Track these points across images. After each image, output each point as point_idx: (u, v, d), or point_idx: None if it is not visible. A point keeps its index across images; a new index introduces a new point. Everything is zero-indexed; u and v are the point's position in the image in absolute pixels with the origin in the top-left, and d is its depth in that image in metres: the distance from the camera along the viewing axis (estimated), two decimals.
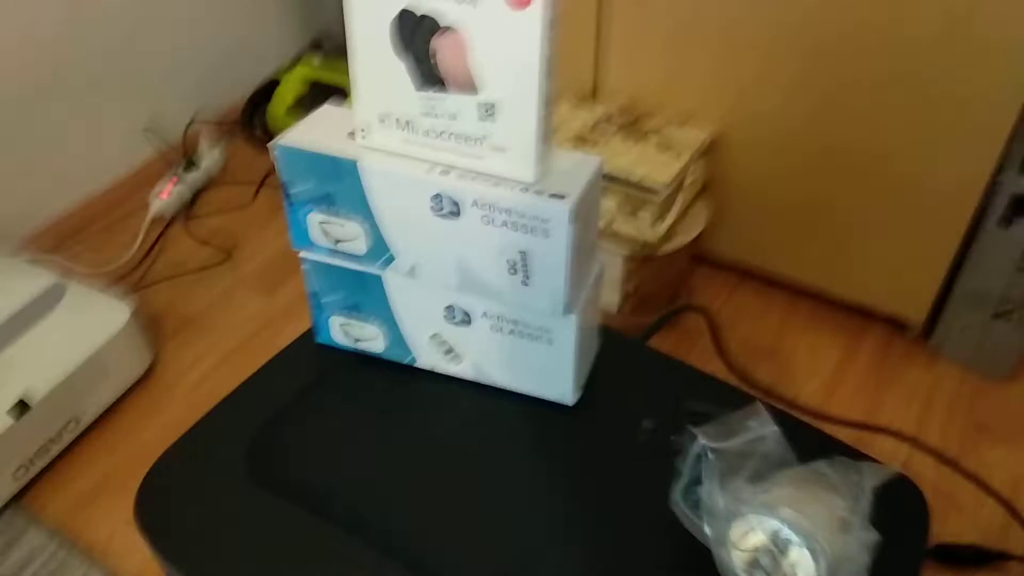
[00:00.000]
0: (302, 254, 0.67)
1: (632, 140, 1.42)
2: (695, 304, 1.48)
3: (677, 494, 0.58)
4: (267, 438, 0.66)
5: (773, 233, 1.53)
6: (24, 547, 1.27)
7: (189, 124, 1.86)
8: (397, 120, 0.58)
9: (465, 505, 0.62)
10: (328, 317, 0.71)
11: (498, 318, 0.64)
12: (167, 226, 1.76)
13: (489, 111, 0.55)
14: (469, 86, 0.55)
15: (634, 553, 0.59)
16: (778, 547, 0.53)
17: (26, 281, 1.41)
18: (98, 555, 1.24)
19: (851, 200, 1.41)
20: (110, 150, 1.80)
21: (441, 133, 0.58)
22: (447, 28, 0.53)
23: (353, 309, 0.69)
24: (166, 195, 1.74)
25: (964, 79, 1.19)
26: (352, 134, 0.61)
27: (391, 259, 0.64)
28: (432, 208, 0.59)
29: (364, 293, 0.67)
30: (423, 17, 0.54)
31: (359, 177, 0.60)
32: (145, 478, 0.64)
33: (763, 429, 0.59)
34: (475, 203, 0.58)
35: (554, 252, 0.58)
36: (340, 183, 0.61)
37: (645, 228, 1.37)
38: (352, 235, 0.64)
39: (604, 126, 1.44)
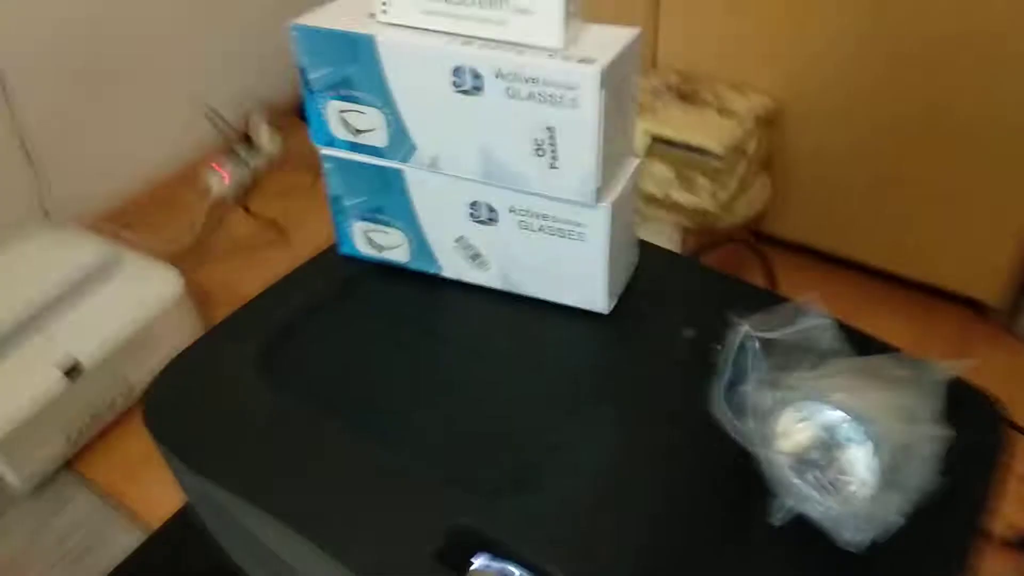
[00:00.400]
0: (323, 151, 0.64)
1: (690, 106, 1.36)
2: (744, 238, 1.38)
3: (718, 394, 0.52)
4: (283, 342, 0.63)
5: (840, 210, 1.45)
6: (73, 510, 1.27)
7: (249, 109, 1.88)
8: None
9: (489, 412, 0.57)
10: (351, 224, 0.67)
11: (526, 213, 0.60)
12: (226, 207, 1.77)
13: None
14: None
15: (672, 461, 0.53)
16: (832, 439, 0.46)
17: (83, 252, 1.43)
18: (143, 521, 1.23)
19: (923, 171, 1.32)
20: (172, 133, 1.83)
21: None
22: None
23: (376, 212, 0.65)
24: (226, 177, 1.75)
25: None
26: (373, 15, 0.58)
27: (412, 149, 0.60)
28: (453, 84, 0.55)
29: (386, 193, 0.64)
30: None
31: (377, 56, 0.57)
32: (155, 380, 0.61)
33: (817, 321, 0.52)
34: (498, 74, 0.54)
35: (583, 126, 0.53)
36: (358, 64, 0.58)
37: (704, 197, 1.31)
38: (372, 124, 0.60)
39: (662, 93, 1.39)
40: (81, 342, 1.29)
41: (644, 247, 0.68)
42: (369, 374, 0.60)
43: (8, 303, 1.30)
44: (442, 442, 0.55)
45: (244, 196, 1.78)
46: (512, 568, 0.47)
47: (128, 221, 1.72)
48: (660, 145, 1.31)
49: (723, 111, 1.34)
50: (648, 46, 1.48)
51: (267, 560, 0.57)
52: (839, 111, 1.34)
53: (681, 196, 1.31)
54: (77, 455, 1.31)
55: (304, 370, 0.61)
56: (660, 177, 1.31)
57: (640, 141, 1.30)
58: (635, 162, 0.62)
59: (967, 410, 0.52)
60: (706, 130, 1.29)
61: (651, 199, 1.32)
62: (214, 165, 1.72)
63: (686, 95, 1.39)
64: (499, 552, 0.48)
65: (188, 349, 0.63)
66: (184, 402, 0.60)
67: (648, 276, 0.66)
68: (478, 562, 0.48)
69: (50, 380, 1.23)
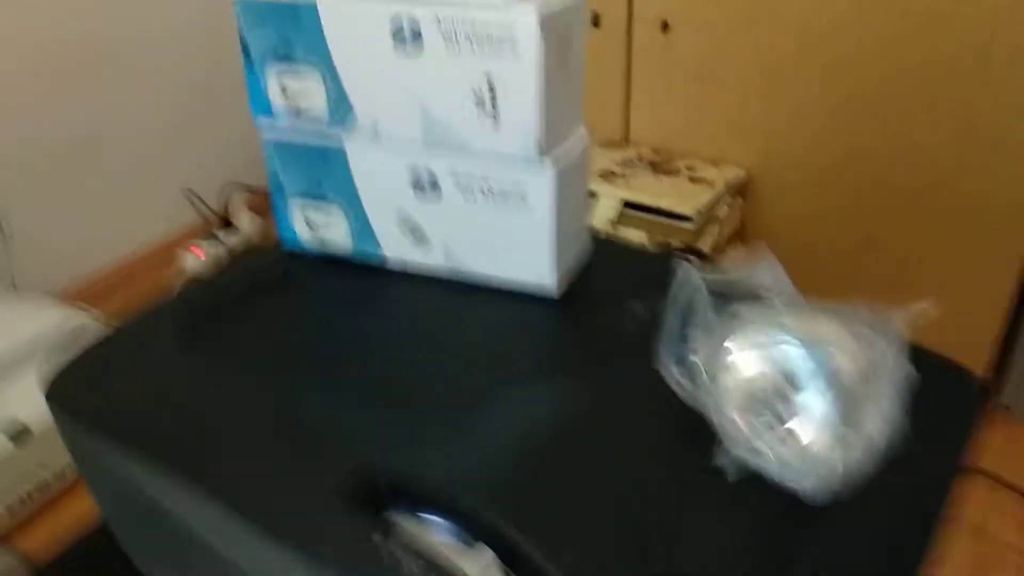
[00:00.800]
0: (262, 127, 0.62)
1: (663, 175, 1.37)
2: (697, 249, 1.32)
3: (663, 345, 0.48)
4: (207, 326, 0.58)
5: (815, 281, 1.42)
6: None
7: (230, 191, 1.89)
8: None
9: (423, 380, 0.52)
10: (289, 204, 0.64)
11: (468, 177, 0.57)
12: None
13: None
14: None
15: (614, 421, 0.48)
16: (784, 372, 0.42)
17: (44, 319, 1.39)
18: None
19: (898, 237, 1.31)
20: (151, 212, 1.83)
21: None
22: None
23: (315, 189, 0.63)
24: (201, 254, 1.73)
25: (1018, 85, 1.11)
26: None
27: (352, 116, 0.58)
28: (392, 39, 0.54)
29: (325, 168, 0.61)
30: None
31: (318, 19, 0.56)
32: (66, 364, 0.56)
33: (771, 275, 0.48)
34: (437, 23, 0.52)
35: (523, 75, 0.52)
36: (299, 31, 0.57)
37: None
38: (311, 92, 0.58)
39: (634, 164, 1.40)
40: (32, 407, 1.23)
41: (597, 240, 0.65)
42: (298, 351, 0.56)
43: None
44: (371, 405, 0.50)
45: None
46: (434, 517, 0.42)
47: (101, 298, 1.69)
48: (633, 211, 1.30)
49: (695, 179, 1.34)
50: (619, 127, 1.50)
51: (179, 558, 0.50)
52: (811, 179, 1.35)
53: None
54: (17, 528, 1.22)
55: (227, 350, 0.56)
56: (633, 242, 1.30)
57: (613, 208, 1.30)
58: (584, 136, 0.60)
59: (939, 374, 0.48)
60: (678, 196, 1.29)
61: None
62: (191, 246, 1.71)
63: (658, 166, 1.40)
64: (421, 501, 0.42)
65: (104, 336, 0.59)
66: (90, 383, 0.55)
67: (601, 263, 0.62)
68: (398, 512, 0.42)
69: None
